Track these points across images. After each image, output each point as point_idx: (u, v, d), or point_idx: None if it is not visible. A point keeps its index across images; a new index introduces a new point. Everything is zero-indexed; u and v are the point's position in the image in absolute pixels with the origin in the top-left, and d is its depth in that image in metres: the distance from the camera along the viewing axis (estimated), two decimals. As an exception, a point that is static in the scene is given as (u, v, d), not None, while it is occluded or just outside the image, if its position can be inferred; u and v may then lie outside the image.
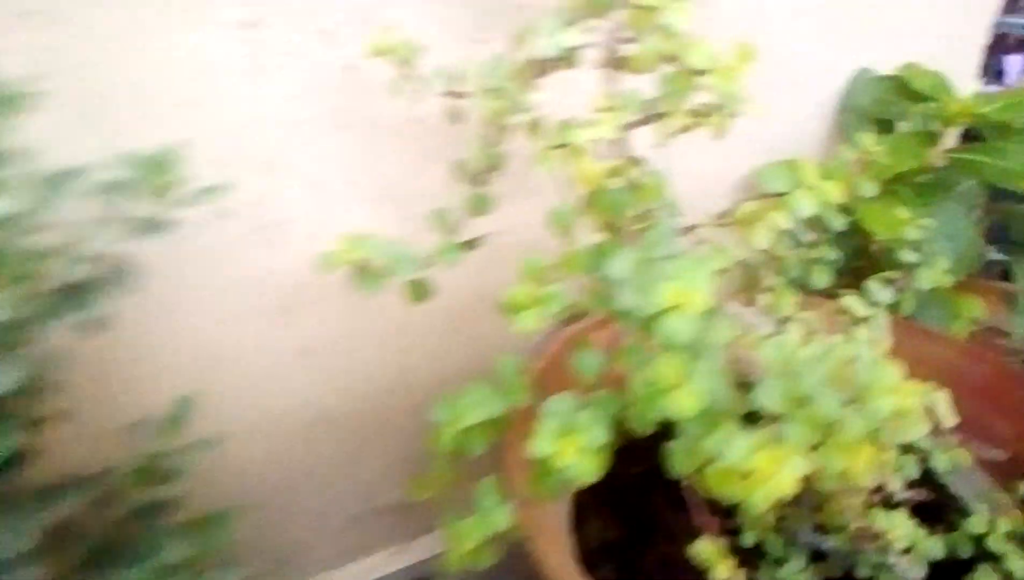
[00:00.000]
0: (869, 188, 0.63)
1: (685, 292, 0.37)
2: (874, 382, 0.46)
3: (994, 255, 1.00)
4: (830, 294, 0.83)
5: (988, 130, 0.79)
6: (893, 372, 0.47)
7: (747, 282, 0.64)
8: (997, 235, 0.99)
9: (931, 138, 0.80)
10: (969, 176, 0.80)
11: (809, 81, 0.90)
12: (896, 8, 0.90)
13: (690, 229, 0.56)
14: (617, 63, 0.48)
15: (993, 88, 0.87)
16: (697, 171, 0.82)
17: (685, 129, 0.52)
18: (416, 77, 0.54)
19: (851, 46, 0.90)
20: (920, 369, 0.85)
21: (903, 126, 0.85)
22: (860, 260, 0.81)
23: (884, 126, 0.88)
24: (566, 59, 0.49)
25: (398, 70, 0.54)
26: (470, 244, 0.57)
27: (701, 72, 0.46)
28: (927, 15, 0.93)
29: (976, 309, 0.92)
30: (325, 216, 0.65)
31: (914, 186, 0.84)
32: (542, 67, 0.50)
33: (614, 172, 0.49)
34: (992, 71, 1.13)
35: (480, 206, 0.56)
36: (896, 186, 0.84)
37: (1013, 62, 0.85)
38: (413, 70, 0.54)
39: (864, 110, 0.88)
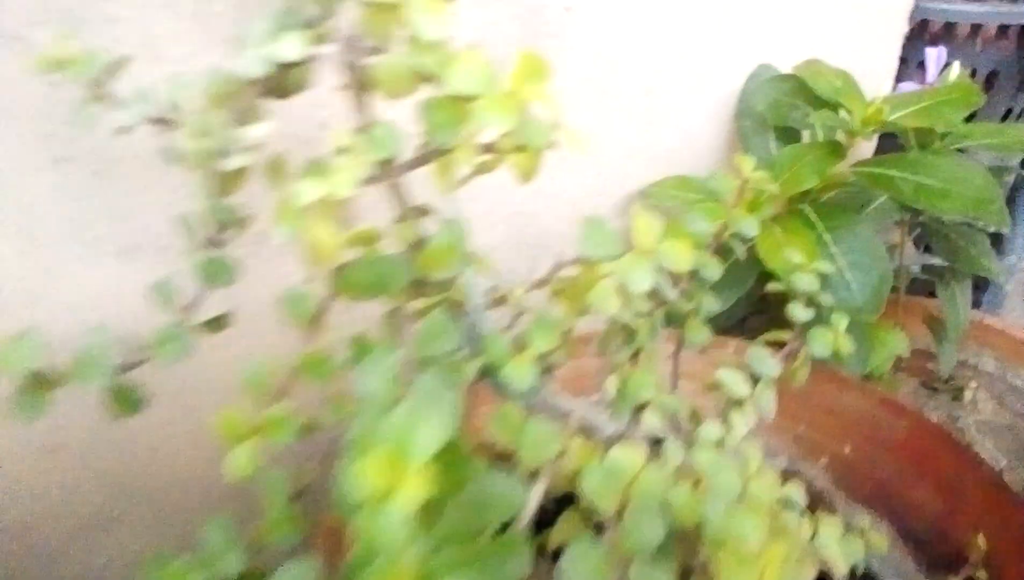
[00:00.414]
0: (748, 224, 0.50)
1: (393, 468, 0.23)
2: (732, 527, 0.33)
3: (928, 261, 0.89)
4: (740, 334, 0.69)
5: (905, 138, 0.67)
6: (761, 512, 0.33)
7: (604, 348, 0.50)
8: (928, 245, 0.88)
9: (836, 150, 0.67)
10: (881, 193, 0.68)
11: (704, 80, 0.76)
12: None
13: (500, 300, 0.42)
14: (362, 83, 0.33)
15: (911, 85, 0.74)
16: (568, 195, 0.68)
17: (483, 170, 0.37)
18: (112, 98, 0.38)
19: (752, 38, 0.77)
20: (831, 422, 0.73)
21: (807, 135, 0.73)
22: (758, 304, 0.68)
23: (788, 135, 0.75)
24: (291, 79, 0.34)
25: (85, 90, 0.38)
26: (212, 325, 0.42)
27: (469, 98, 0.31)
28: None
29: (898, 344, 0.80)
30: (45, 279, 0.49)
31: (819, 207, 0.71)
32: (265, 87, 0.35)
33: (366, 238, 0.35)
34: (914, 63, 1.01)
35: (218, 274, 0.41)
36: (800, 206, 0.71)
37: (934, 54, 0.73)
38: (103, 89, 0.38)
39: (762, 116, 0.75)
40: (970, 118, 1.05)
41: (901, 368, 1.00)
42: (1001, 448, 0.91)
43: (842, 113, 0.66)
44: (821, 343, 0.48)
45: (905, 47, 0.97)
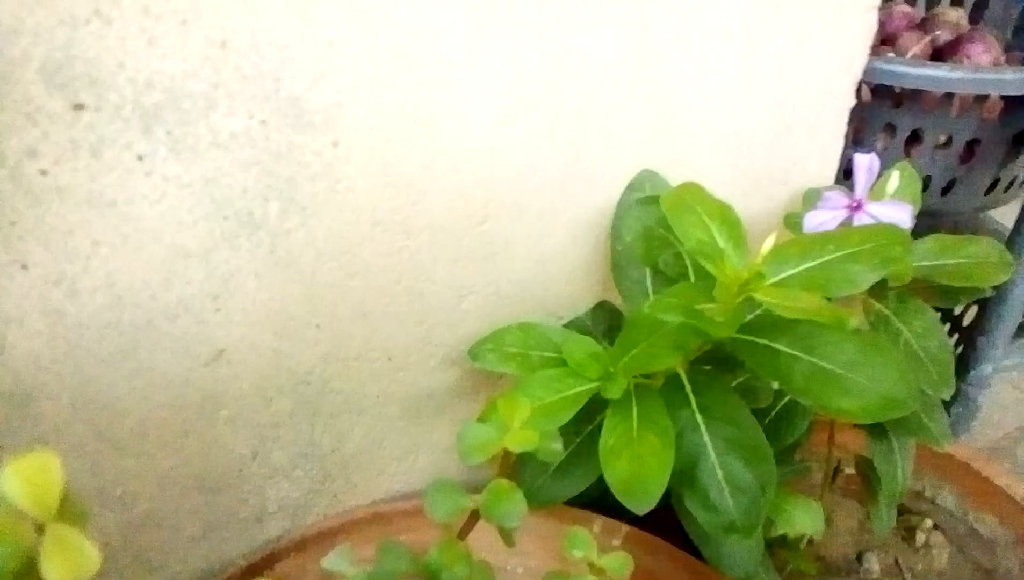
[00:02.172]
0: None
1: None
2: None
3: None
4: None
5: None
6: None
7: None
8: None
9: (695, 332, 0.51)
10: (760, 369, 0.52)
11: (567, 193, 0.60)
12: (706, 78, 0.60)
13: None
14: None
15: (828, 212, 0.58)
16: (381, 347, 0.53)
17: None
18: None
19: (633, 131, 0.60)
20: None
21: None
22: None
23: (666, 274, 0.58)
24: None
25: None
26: None
27: None
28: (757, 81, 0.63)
29: (809, 520, 0.65)
30: None
31: (698, 372, 0.56)
32: None
33: None
34: (876, 129, 0.84)
35: None
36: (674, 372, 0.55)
37: (864, 163, 0.56)
38: None
39: (631, 248, 0.58)
40: (947, 190, 0.87)
41: (844, 485, 0.84)
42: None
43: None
44: None
45: (862, 115, 0.79)
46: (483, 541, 0.45)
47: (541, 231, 0.60)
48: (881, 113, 0.82)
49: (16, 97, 0.37)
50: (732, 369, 0.67)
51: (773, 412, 0.70)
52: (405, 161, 0.51)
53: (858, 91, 0.73)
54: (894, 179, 0.61)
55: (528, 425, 0.39)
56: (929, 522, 0.83)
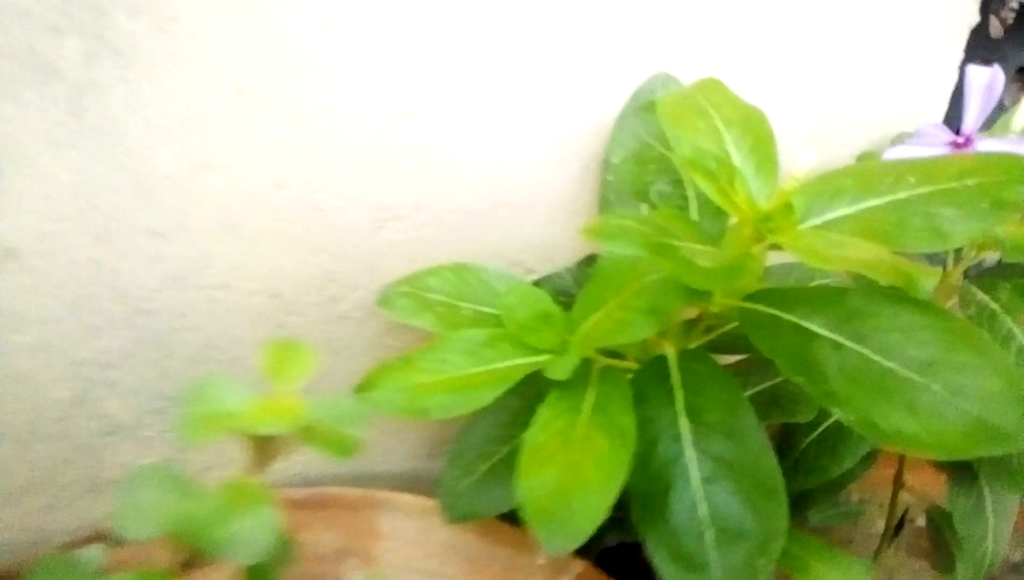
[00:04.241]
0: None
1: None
2: None
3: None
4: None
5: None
6: None
7: None
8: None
9: (682, 291, 0.33)
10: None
11: (542, 99, 0.43)
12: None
13: None
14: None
15: (923, 146, 0.39)
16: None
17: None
18: None
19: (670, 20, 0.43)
20: None
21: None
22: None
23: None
24: None
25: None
26: None
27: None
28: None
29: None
30: None
31: (690, 361, 0.38)
32: None
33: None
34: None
35: None
36: (659, 355, 0.38)
37: (982, 78, 0.37)
38: None
39: (622, 183, 0.41)
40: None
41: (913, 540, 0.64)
42: None
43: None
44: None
45: (993, 51, 0.58)
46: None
47: (503, 143, 0.43)
48: (1019, 50, 0.61)
49: None
50: (760, 368, 0.49)
51: (817, 432, 0.52)
52: None
53: (987, 14, 0.52)
54: (1026, 108, 0.41)
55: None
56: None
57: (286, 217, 0.41)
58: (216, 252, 0.40)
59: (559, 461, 0.34)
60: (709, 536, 0.34)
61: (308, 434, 0.21)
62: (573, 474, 0.34)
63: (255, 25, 0.35)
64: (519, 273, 0.49)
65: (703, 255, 0.28)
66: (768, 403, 0.50)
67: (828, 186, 0.33)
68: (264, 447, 0.21)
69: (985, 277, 0.48)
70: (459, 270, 0.42)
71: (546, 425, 0.36)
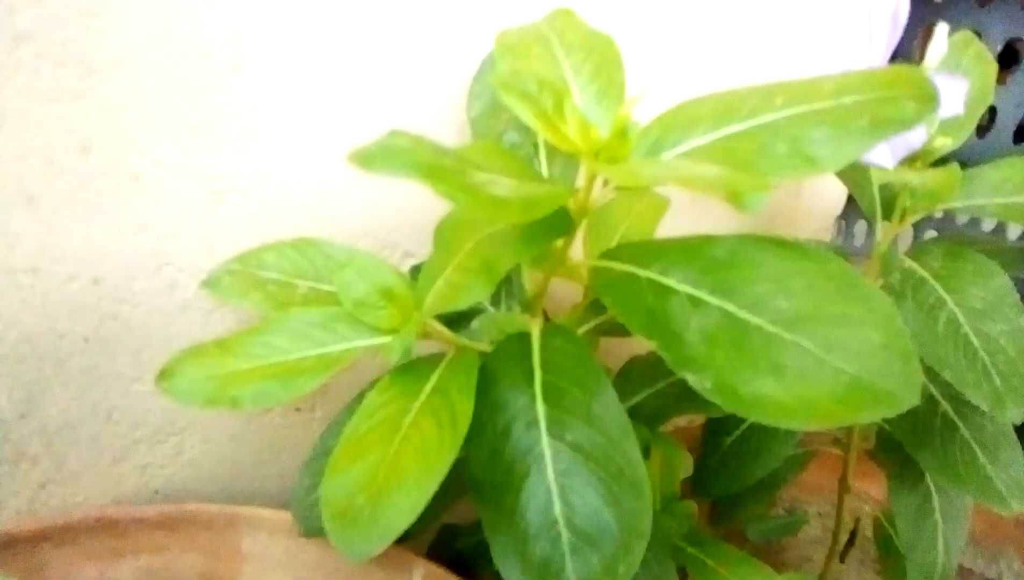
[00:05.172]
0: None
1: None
2: None
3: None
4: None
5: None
6: None
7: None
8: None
9: (557, 222, 0.27)
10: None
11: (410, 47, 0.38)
12: None
13: None
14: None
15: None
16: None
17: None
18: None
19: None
20: None
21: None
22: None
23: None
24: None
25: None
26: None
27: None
28: None
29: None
30: None
31: (557, 339, 0.32)
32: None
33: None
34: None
35: None
36: (521, 332, 0.33)
37: (882, 6, 0.32)
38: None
39: (483, 131, 0.36)
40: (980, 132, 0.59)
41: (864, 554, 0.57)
42: None
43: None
44: None
45: (933, 17, 0.53)
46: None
47: (356, 102, 0.38)
48: (960, 13, 0.56)
49: None
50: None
51: (740, 429, 0.46)
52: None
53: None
54: (940, 38, 0.36)
55: None
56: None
57: (94, 189, 0.36)
58: (15, 228, 0.35)
59: (376, 454, 0.29)
60: (564, 536, 0.29)
61: None
62: (389, 468, 0.28)
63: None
64: (394, 258, 0.44)
65: (500, 185, 0.23)
66: (679, 395, 0.44)
67: (683, 115, 0.28)
68: None
69: (917, 246, 0.42)
70: (300, 246, 0.37)
71: (371, 413, 0.31)
